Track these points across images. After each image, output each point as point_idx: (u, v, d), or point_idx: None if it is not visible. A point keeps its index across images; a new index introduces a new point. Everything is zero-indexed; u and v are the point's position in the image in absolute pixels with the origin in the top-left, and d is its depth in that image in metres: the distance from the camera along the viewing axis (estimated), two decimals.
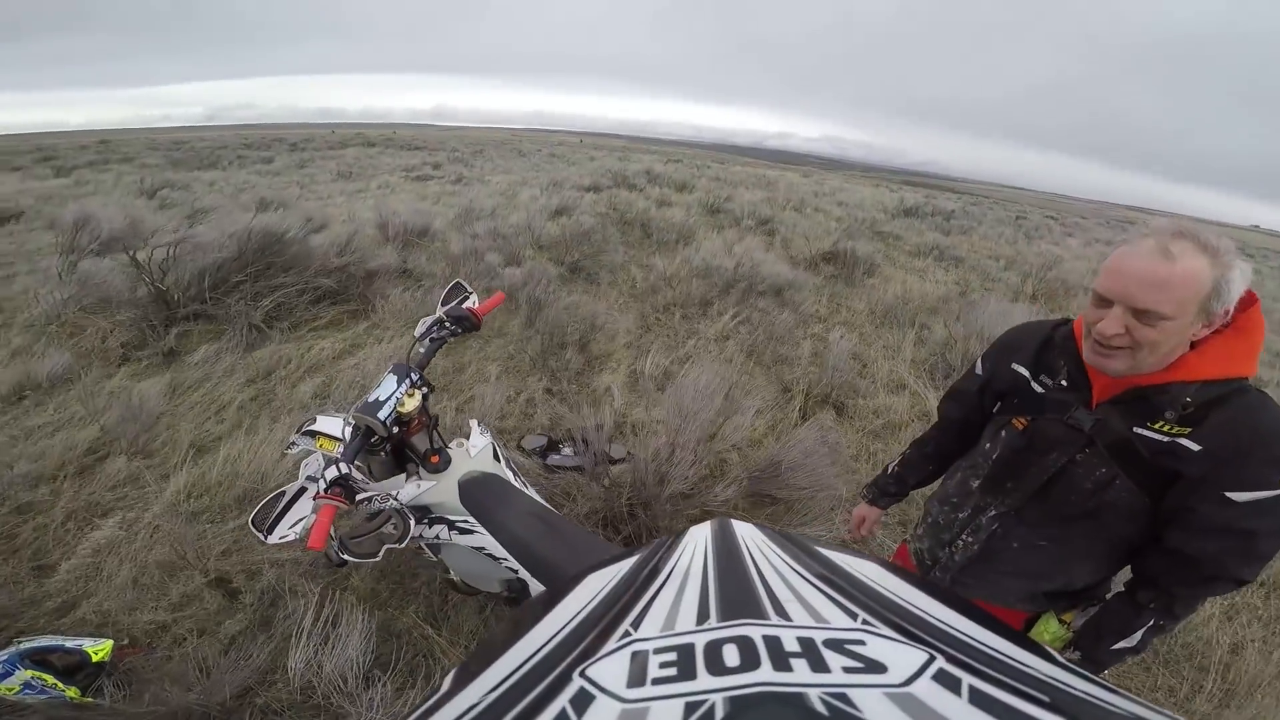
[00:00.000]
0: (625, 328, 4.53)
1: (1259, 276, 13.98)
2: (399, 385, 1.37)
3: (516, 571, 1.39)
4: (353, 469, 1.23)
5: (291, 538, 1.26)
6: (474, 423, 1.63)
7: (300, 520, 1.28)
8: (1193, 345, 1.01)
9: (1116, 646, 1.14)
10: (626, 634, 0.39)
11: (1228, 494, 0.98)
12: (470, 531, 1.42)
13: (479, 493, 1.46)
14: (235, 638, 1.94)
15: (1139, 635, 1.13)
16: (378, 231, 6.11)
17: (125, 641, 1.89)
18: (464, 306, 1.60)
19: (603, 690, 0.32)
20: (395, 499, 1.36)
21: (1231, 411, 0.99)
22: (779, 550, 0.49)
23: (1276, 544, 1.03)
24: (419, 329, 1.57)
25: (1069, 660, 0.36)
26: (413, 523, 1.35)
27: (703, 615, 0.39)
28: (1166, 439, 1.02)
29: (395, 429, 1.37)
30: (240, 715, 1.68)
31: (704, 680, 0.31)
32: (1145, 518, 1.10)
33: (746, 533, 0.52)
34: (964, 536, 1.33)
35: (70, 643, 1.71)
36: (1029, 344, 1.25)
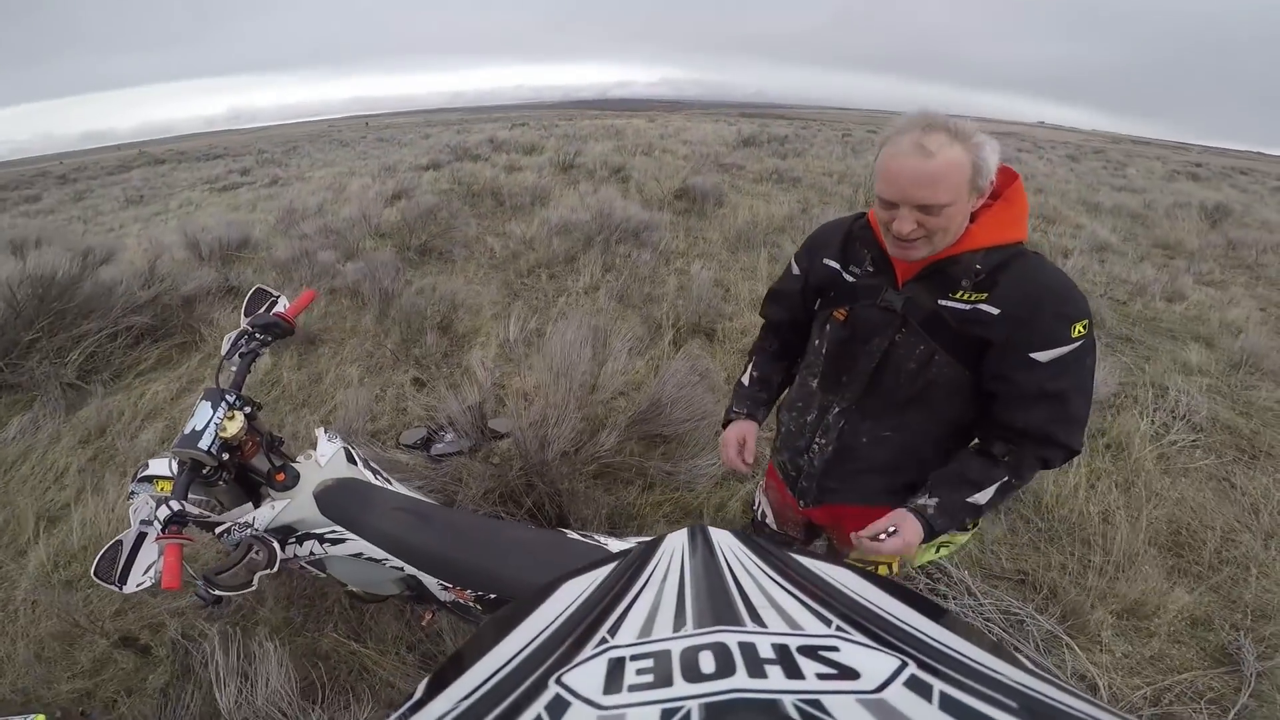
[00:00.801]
0: (490, 299, 4.36)
1: (1049, 164, 16.05)
2: (215, 411, 1.30)
3: (402, 569, 1.36)
4: (185, 504, 1.18)
5: (148, 583, 1.20)
6: (320, 431, 1.54)
7: (152, 565, 1.22)
8: (972, 218, 1.10)
9: (970, 499, 1.17)
10: (603, 641, 0.39)
11: (1032, 355, 1.07)
12: (342, 540, 1.38)
13: (339, 500, 1.41)
14: (165, 689, 1.87)
15: (992, 490, 1.16)
16: (188, 253, 5.40)
17: (58, 714, 1.70)
18: (271, 313, 1.52)
19: (579, 697, 0.32)
20: (252, 525, 1.31)
21: (1016, 272, 1.09)
22: (755, 557, 0.49)
23: (1087, 404, 1.12)
24: (224, 347, 1.48)
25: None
26: (278, 546, 1.28)
27: (679, 622, 0.39)
28: (968, 306, 1.10)
29: (225, 455, 1.31)
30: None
31: (680, 687, 0.31)
32: (970, 391, 1.17)
33: (723, 540, 0.52)
34: (817, 439, 1.35)
35: None
36: (834, 239, 1.30)
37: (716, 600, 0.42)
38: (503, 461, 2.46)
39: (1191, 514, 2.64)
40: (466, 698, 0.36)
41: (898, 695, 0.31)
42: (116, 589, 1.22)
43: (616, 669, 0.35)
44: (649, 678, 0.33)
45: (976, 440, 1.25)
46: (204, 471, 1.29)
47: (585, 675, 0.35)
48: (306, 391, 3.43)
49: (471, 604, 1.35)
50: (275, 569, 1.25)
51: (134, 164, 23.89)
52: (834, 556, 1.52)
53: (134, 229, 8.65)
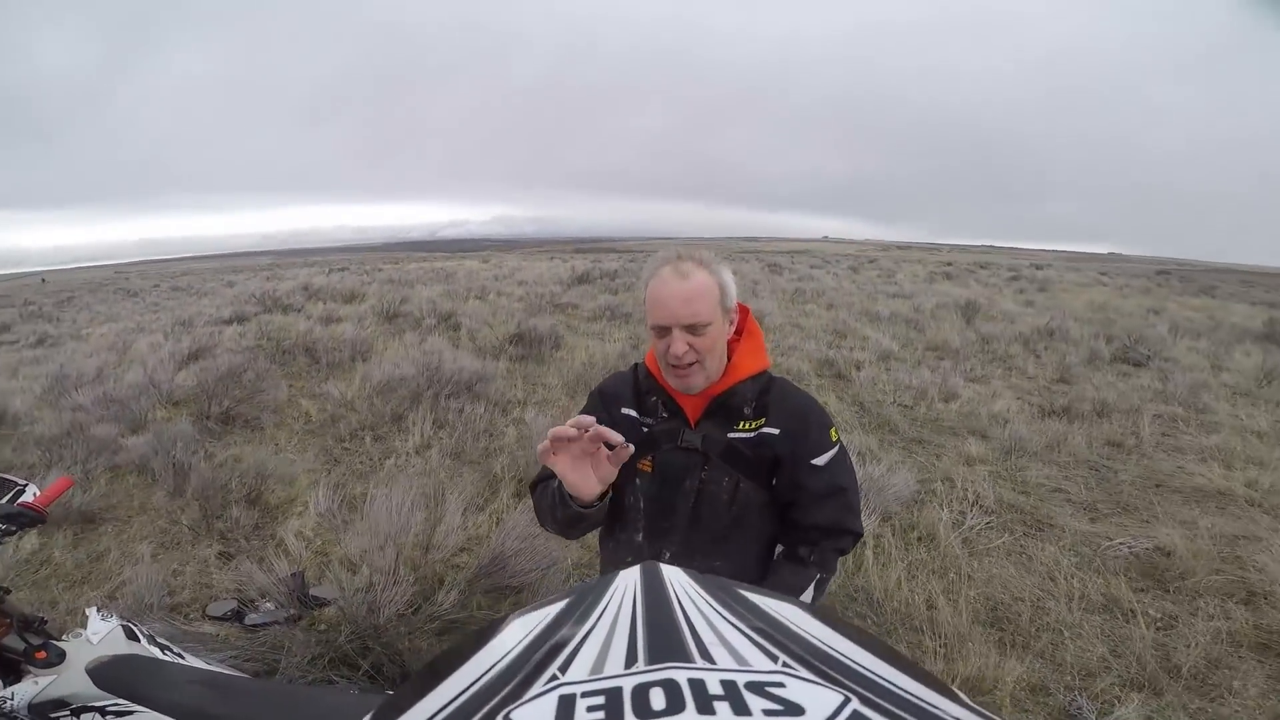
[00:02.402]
0: (305, 468, 3.96)
1: (835, 279, 18.48)
2: None
3: None
4: None
5: None
6: (92, 610, 1.48)
7: None
8: (730, 357, 1.29)
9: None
10: (554, 677, 0.38)
11: (812, 462, 1.27)
12: (129, 712, 1.33)
13: (120, 675, 1.37)
14: None
15: (811, 588, 1.31)
16: None
17: None
18: (16, 503, 1.47)
19: None
20: (11, 700, 1.29)
21: (778, 395, 1.30)
22: (705, 594, 0.49)
23: (857, 493, 1.35)
24: None
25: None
26: None
27: (631, 659, 0.39)
28: (754, 434, 1.27)
29: None
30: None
31: None
32: (772, 507, 1.35)
33: (674, 576, 0.52)
34: None
35: None
36: (625, 390, 1.40)
37: (668, 637, 0.42)
38: (329, 628, 2.35)
39: (1002, 589, 2.98)
40: None
41: None
42: None
43: (567, 706, 0.34)
44: (600, 715, 0.33)
45: (781, 549, 1.39)
46: None
47: (535, 713, 0.34)
48: (85, 569, 3.09)
49: None
50: None
51: None
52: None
53: None
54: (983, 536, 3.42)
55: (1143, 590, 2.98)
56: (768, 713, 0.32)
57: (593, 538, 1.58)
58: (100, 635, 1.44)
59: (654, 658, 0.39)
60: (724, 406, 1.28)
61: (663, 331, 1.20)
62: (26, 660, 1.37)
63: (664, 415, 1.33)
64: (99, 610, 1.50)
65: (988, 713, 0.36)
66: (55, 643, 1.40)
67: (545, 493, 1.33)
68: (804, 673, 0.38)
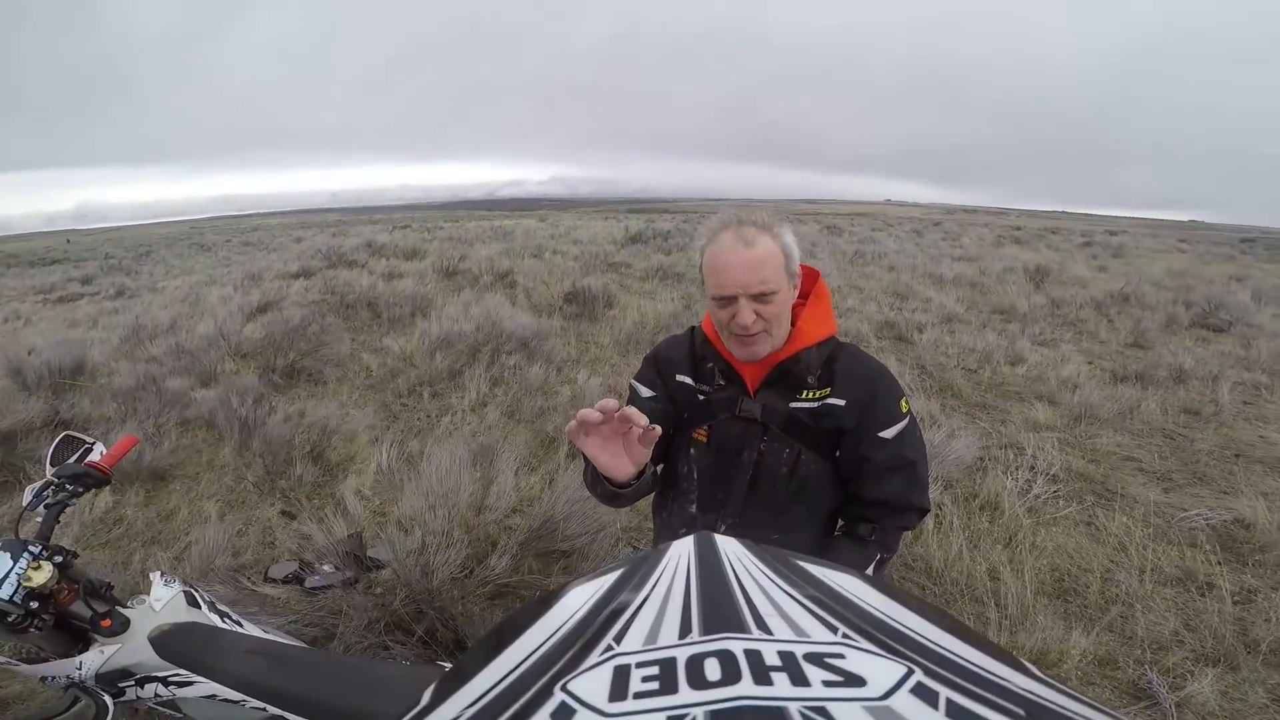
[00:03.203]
0: (365, 424, 4.06)
1: (898, 241, 17.94)
2: (15, 562, 1.29)
3: (265, 709, 1.34)
4: None
5: None
6: (155, 575, 1.52)
7: None
8: (794, 322, 1.21)
9: None
10: (609, 648, 0.38)
11: (879, 434, 1.19)
12: (189, 682, 1.37)
13: (180, 644, 1.40)
14: None
15: (870, 569, 1.23)
16: (10, 380, 4.69)
17: None
18: (84, 462, 1.50)
19: (584, 704, 0.32)
20: (80, 671, 1.32)
21: (845, 364, 1.22)
22: (760, 564, 0.49)
23: (926, 467, 1.26)
24: (25, 498, 1.44)
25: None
26: (109, 699, 1.28)
27: (685, 629, 0.39)
28: (818, 403, 1.20)
29: (34, 604, 1.29)
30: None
31: (685, 694, 0.31)
32: (834, 479, 1.26)
33: (729, 547, 0.52)
34: None
35: None
36: (680, 356, 1.33)
37: (722, 607, 0.42)
38: (385, 591, 2.33)
39: (1069, 560, 2.84)
40: (472, 705, 0.35)
41: (904, 702, 0.30)
42: None
43: (622, 676, 0.34)
44: (654, 685, 0.33)
45: (841, 526, 1.33)
46: (9, 620, 1.26)
47: (591, 683, 0.34)
48: (155, 528, 3.13)
49: None
50: (110, 716, 1.25)
51: None
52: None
53: None
54: (1049, 505, 3.26)
55: (1220, 563, 2.81)
56: (827, 684, 0.32)
57: (645, 504, 1.54)
58: (163, 602, 1.47)
59: (708, 628, 0.39)
60: (786, 374, 1.22)
61: (726, 301, 1.13)
62: (93, 628, 1.38)
63: (721, 383, 1.27)
64: (162, 575, 1.53)
65: (1057, 683, 0.35)
66: (120, 610, 1.42)
67: (588, 465, 1.28)
68: (865, 644, 0.37)
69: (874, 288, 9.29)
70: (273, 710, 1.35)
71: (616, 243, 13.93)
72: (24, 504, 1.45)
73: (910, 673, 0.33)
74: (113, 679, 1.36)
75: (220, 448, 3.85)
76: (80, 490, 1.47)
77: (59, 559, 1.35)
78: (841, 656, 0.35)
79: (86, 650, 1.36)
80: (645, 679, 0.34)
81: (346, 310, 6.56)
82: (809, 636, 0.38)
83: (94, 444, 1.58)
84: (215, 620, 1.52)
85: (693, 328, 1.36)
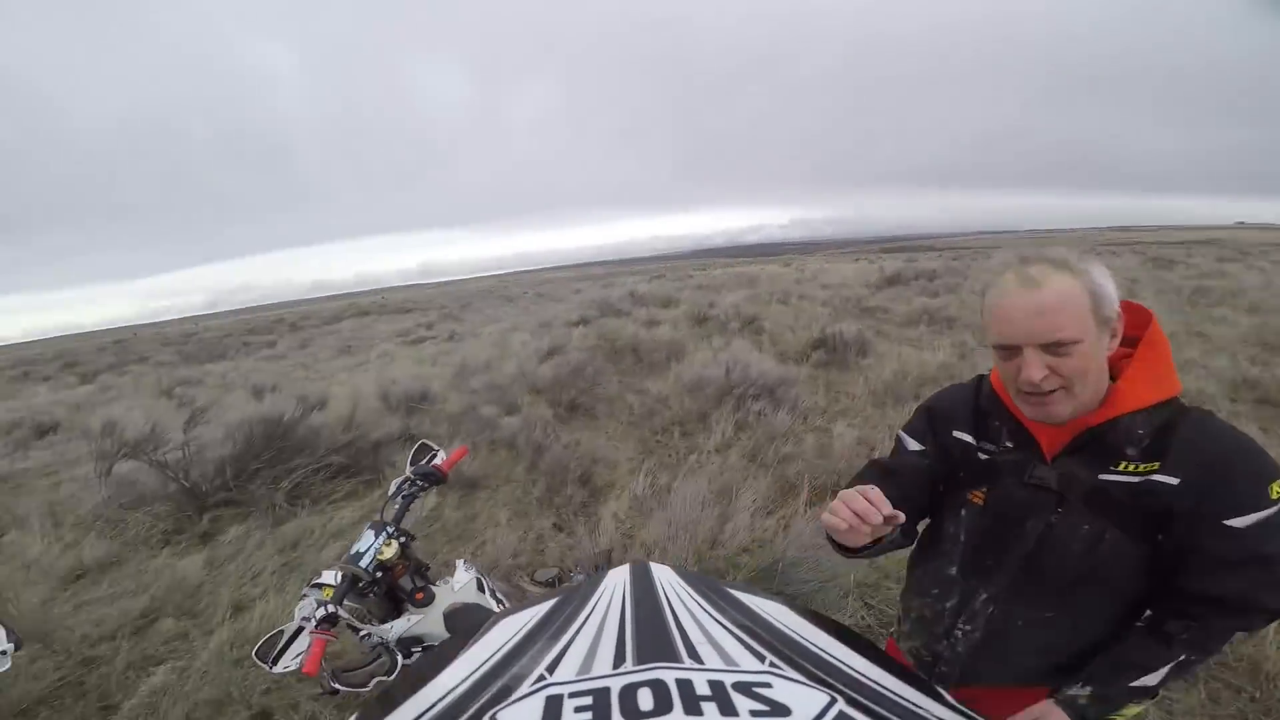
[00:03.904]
0: (626, 456, 4.53)
1: (1262, 274, 13.66)
2: (376, 538, 1.57)
3: None
4: (339, 609, 1.42)
5: (293, 667, 1.40)
6: (460, 562, 1.77)
7: (300, 653, 1.42)
8: (1114, 374, 1.01)
9: (1135, 684, 1.01)
10: (541, 678, 0.39)
11: (1227, 523, 0.94)
12: None
13: (462, 622, 1.58)
14: None
15: (1163, 672, 1.01)
16: (380, 403, 6.31)
17: None
18: (431, 464, 1.79)
19: None
20: (388, 635, 1.53)
21: (1188, 434, 0.97)
22: (693, 593, 0.50)
23: None
24: (390, 489, 1.76)
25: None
26: (400, 658, 1.49)
27: (619, 659, 0.40)
28: (1140, 479, 0.98)
29: (379, 573, 1.55)
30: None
31: None
32: (1148, 564, 1.03)
33: (664, 576, 0.53)
34: (961, 626, 1.19)
35: None
36: (961, 410, 1.19)
37: (656, 637, 0.42)
38: None
39: None
40: None
41: None
42: (268, 668, 1.44)
43: (554, 706, 0.34)
44: (587, 715, 0.33)
45: (1148, 614, 1.07)
46: (359, 585, 1.52)
47: (522, 713, 0.34)
48: (462, 527, 3.83)
49: None
50: (392, 676, 1.43)
51: (345, 314, 28.86)
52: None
53: (341, 377, 10.26)
54: None
55: None
56: (754, 713, 0.32)
57: (888, 560, 1.46)
58: (460, 584, 1.69)
59: (642, 658, 0.39)
60: (1098, 441, 1.01)
61: (1009, 352, 0.98)
62: (408, 599, 1.61)
63: (1008, 445, 1.10)
64: (464, 563, 1.77)
65: (971, 713, 0.36)
66: (431, 587, 1.65)
67: None
68: (791, 673, 0.38)
69: (1225, 335, 7.23)
70: None
71: (871, 285, 13.24)
72: (388, 493, 1.75)
73: (833, 701, 0.34)
74: (408, 644, 1.56)
75: (515, 466, 4.64)
76: (426, 486, 1.75)
77: (403, 540, 1.61)
78: (769, 685, 0.36)
79: (398, 618, 1.58)
80: (578, 709, 0.34)
81: (615, 354, 7.44)
82: (738, 665, 0.38)
83: (438, 450, 1.86)
84: (493, 605, 1.70)
85: (980, 377, 1.20)
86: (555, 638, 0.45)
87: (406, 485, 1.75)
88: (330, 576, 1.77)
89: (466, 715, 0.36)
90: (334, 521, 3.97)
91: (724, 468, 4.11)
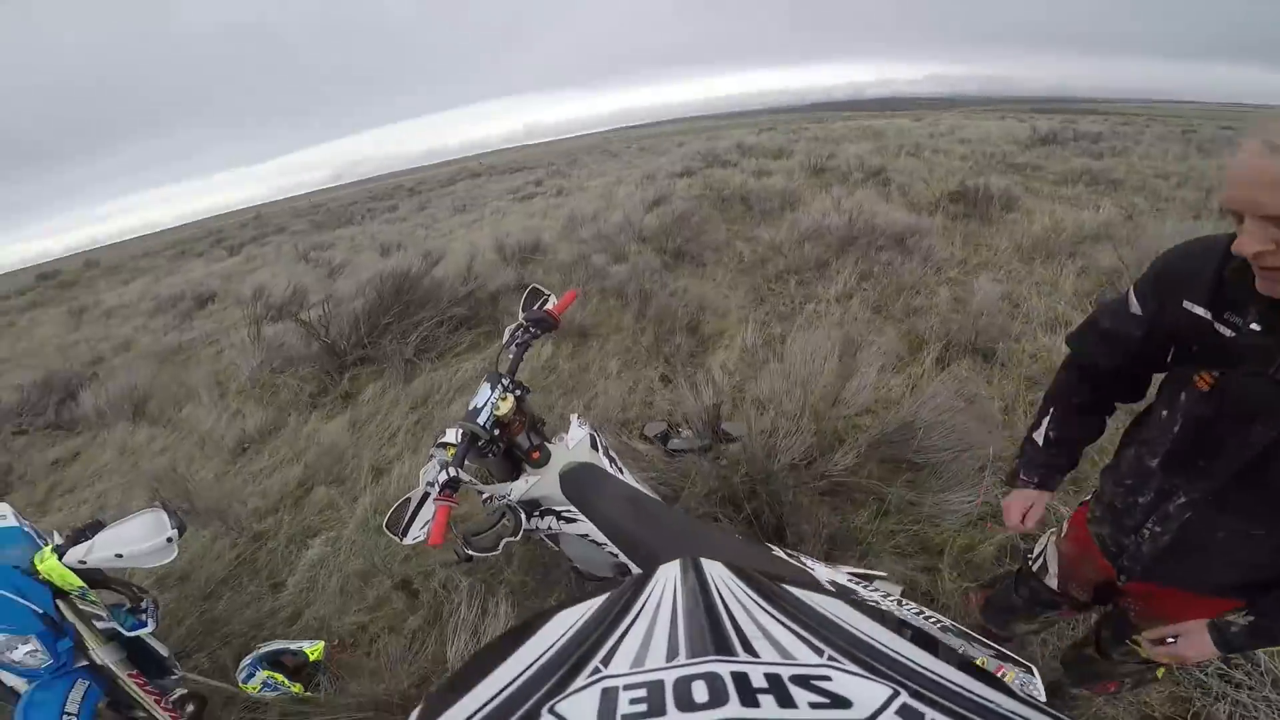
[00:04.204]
0: (736, 304, 4.36)
1: None
2: (492, 391, 1.50)
3: (617, 555, 1.44)
4: (460, 471, 1.35)
5: (421, 538, 1.39)
6: (573, 417, 1.71)
7: (427, 522, 1.40)
8: None
9: None
10: (597, 670, 0.39)
11: None
12: (574, 520, 1.52)
13: (577, 482, 1.55)
14: (415, 633, 2.21)
15: None
16: (496, 255, 6.48)
17: (335, 642, 2.24)
18: (543, 309, 1.70)
19: None
20: (508, 495, 1.50)
21: None
22: (746, 588, 0.50)
23: None
24: (505, 336, 1.70)
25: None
26: (524, 517, 1.43)
27: (672, 652, 0.40)
28: None
29: (496, 431, 1.48)
30: (419, 700, 1.85)
31: (673, 716, 0.32)
32: None
33: (715, 572, 0.53)
34: (1150, 525, 1.07)
35: (293, 646, 2.03)
36: (1202, 273, 0.95)
37: (709, 630, 0.42)
38: (730, 465, 2.47)
39: None
40: None
41: None
42: (399, 540, 1.44)
43: (609, 699, 0.35)
44: (642, 707, 0.33)
45: None
46: (479, 444, 1.45)
47: (579, 705, 0.35)
48: (575, 379, 3.87)
49: None
50: (519, 537, 1.41)
51: (459, 178, 29.47)
52: (1124, 627, 1.30)
53: (459, 233, 10.62)
54: None
55: None
56: (814, 705, 0.32)
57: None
58: (575, 440, 1.64)
59: (695, 651, 0.39)
60: None
61: (1237, 218, 0.82)
62: (525, 458, 1.57)
63: (1254, 327, 0.89)
64: (578, 419, 1.71)
65: (1039, 703, 0.35)
66: (547, 444, 1.60)
67: None
68: (850, 666, 0.37)
69: None
70: (621, 558, 1.44)
71: (1019, 143, 11.49)
72: (503, 341, 1.70)
73: (896, 694, 0.33)
74: (529, 506, 1.53)
75: (624, 313, 4.61)
76: (539, 333, 1.68)
77: (518, 393, 1.54)
78: (827, 678, 0.35)
79: (517, 478, 1.57)
80: (633, 701, 0.34)
81: (722, 204, 7.04)
82: (795, 659, 0.38)
83: (549, 295, 1.80)
84: (605, 464, 1.66)
85: (1231, 236, 0.91)
86: (608, 632, 0.45)
87: (520, 332, 1.69)
88: (452, 435, 1.75)
89: (525, 708, 0.36)
90: (458, 374, 4.11)
91: (844, 320, 3.85)
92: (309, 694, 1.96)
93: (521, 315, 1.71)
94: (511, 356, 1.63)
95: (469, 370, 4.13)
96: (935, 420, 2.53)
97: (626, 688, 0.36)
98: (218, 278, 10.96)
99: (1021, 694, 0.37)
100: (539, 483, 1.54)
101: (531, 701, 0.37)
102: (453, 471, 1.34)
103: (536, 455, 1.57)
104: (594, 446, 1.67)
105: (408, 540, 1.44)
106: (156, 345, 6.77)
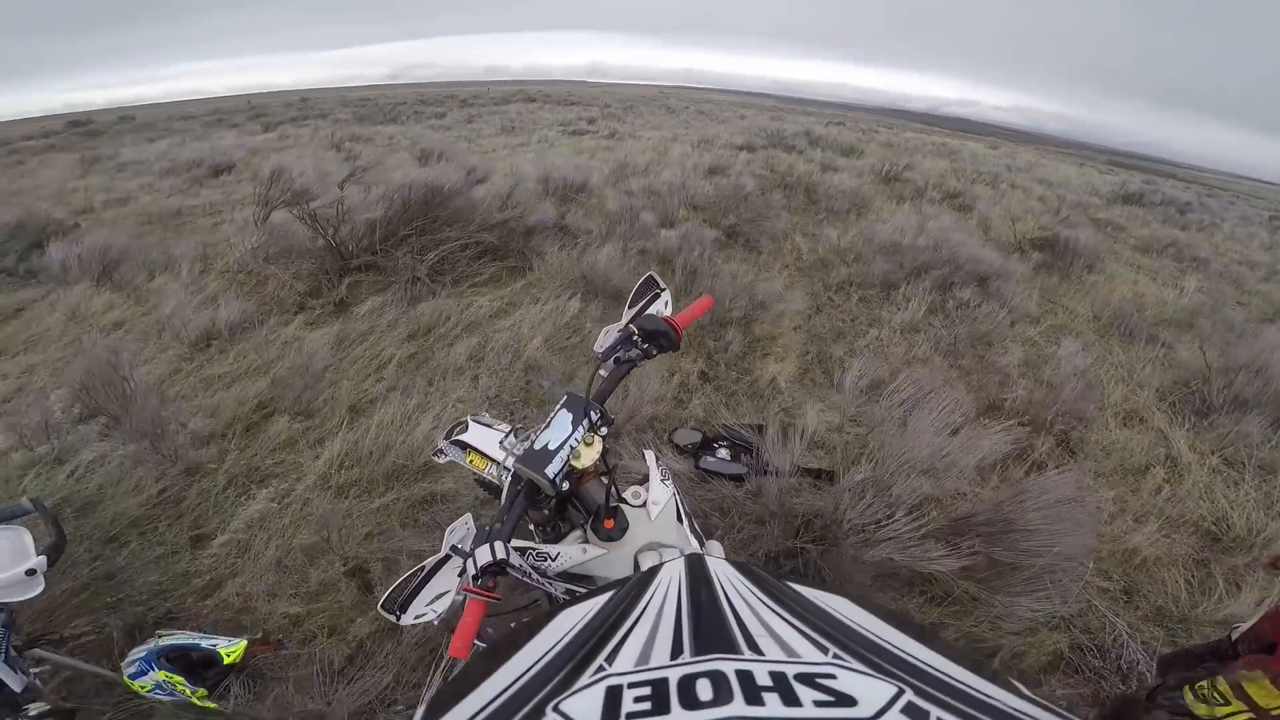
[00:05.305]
0: (794, 308, 3.95)
1: None
2: (574, 429, 0.99)
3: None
4: (510, 550, 0.87)
5: (429, 618, 0.95)
6: (651, 458, 1.13)
7: (440, 596, 0.98)
8: None
9: None
10: (601, 669, 0.38)
11: None
12: None
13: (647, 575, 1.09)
14: (363, 642, 1.81)
15: None
16: (538, 186, 6.02)
17: (258, 635, 1.81)
18: (662, 319, 1.12)
19: None
20: (551, 563, 0.97)
21: None
22: (751, 585, 0.49)
23: None
24: (599, 342, 1.14)
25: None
26: (561, 598, 1.00)
27: (677, 650, 0.39)
28: None
29: (565, 485, 0.99)
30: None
31: (678, 714, 0.31)
32: None
33: (719, 569, 0.51)
34: None
35: (206, 643, 1.63)
36: None
37: (714, 628, 0.42)
38: (753, 498, 2.14)
39: None
40: None
41: None
42: (394, 621, 1.00)
43: (614, 697, 0.34)
44: (646, 705, 0.33)
45: None
46: (537, 498, 1.01)
47: (583, 703, 0.34)
48: None
49: None
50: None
51: (513, 99, 28.43)
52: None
53: (502, 154, 10.05)
54: None
55: None
56: (819, 704, 0.31)
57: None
58: (659, 507, 1.04)
59: (699, 649, 0.39)
60: None
61: None
62: (591, 521, 1.03)
63: None
64: (658, 462, 1.12)
65: (1046, 702, 0.33)
66: (624, 507, 1.03)
67: None
68: (856, 664, 0.36)
69: None
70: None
71: (1102, 196, 10.88)
72: (597, 350, 1.15)
73: (901, 692, 0.32)
74: (570, 579, 1.00)
75: (667, 284, 4.16)
76: (653, 352, 1.13)
77: (605, 432, 1.05)
78: (833, 677, 0.35)
79: (566, 536, 1.05)
80: (637, 699, 0.34)
81: (786, 190, 6.54)
82: (800, 657, 0.38)
83: (664, 290, 1.25)
84: (689, 540, 1.09)
85: None
86: (613, 630, 0.44)
87: (624, 347, 1.11)
88: (485, 439, 1.27)
89: (530, 706, 0.35)
90: (471, 309, 3.69)
91: (909, 357, 3.47)
92: (211, 705, 1.57)
93: (627, 318, 1.15)
94: (605, 378, 1.10)
95: (483, 308, 3.73)
96: (1039, 524, 2.07)
97: (631, 686, 0.35)
98: (245, 150, 10.41)
99: (1030, 694, 0.35)
100: (603, 559, 0.97)
101: (536, 700, 0.36)
102: (500, 551, 0.85)
103: (610, 524, 0.99)
104: (679, 518, 1.08)
105: (406, 620, 0.98)
106: (154, 206, 6.34)
